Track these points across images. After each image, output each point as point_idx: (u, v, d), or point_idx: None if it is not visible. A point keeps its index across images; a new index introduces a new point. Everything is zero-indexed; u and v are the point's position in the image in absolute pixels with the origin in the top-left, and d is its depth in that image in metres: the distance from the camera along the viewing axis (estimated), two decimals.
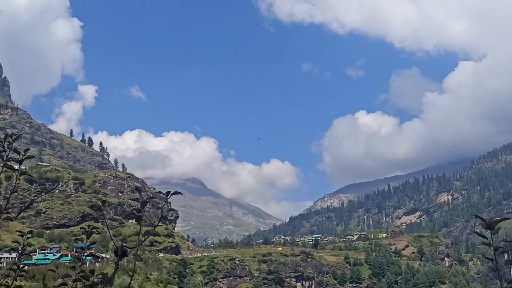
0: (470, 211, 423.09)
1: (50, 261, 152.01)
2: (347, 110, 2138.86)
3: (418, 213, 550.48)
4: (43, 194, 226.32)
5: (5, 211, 7.67)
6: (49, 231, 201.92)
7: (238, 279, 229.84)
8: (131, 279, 7.08)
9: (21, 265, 7.41)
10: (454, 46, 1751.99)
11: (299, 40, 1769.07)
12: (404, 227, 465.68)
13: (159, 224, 7.02)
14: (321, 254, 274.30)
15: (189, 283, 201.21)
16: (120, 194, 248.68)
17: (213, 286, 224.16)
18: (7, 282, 7.46)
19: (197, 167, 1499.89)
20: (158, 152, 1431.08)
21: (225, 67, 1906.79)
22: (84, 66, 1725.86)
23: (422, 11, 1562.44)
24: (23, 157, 6.99)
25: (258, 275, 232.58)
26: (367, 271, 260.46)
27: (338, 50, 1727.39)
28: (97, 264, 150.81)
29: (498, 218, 5.88)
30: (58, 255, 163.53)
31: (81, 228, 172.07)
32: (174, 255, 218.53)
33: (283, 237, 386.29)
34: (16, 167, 7.22)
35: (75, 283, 6.15)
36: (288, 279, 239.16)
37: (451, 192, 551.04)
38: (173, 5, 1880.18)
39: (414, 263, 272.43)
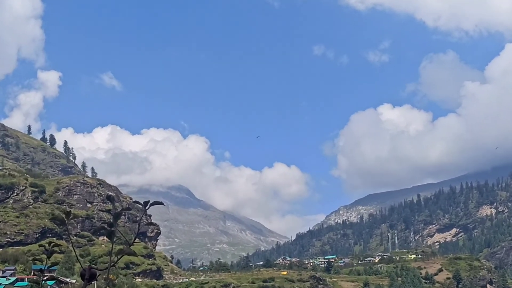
0: None
1: (3, 286, 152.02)
2: (368, 104, 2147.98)
3: (454, 230, 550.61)
4: None
5: None
6: (1, 249, 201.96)
7: None
8: None
9: None
10: (499, 25, 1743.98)
11: (309, 17, 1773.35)
12: (437, 247, 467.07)
13: (135, 241, 7.03)
14: (335, 279, 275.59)
15: None
16: (89, 205, 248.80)
17: None
18: None
19: (183, 173, 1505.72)
20: (136, 153, 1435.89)
21: (218, 49, 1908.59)
22: (45, 48, 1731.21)
23: None
24: None
25: None
26: None
27: (357, 29, 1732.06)
28: None
29: None
30: (13, 279, 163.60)
31: (40, 246, 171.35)
32: (155, 280, 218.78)
33: (288, 258, 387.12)
34: None
35: None
36: None
37: (494, 204, 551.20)
38: None
39: None
